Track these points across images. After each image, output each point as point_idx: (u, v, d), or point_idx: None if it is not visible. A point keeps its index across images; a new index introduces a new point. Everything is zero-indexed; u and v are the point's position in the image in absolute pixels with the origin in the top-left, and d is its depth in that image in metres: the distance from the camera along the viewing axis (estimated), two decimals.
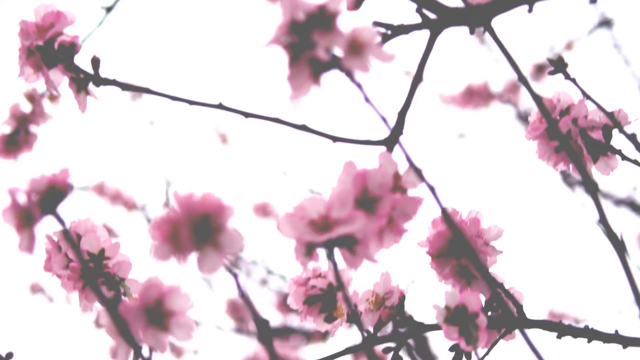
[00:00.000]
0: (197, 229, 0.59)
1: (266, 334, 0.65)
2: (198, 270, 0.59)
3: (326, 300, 0.95)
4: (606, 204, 3.08)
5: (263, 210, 3.70)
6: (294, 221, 0.67)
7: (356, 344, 0.91)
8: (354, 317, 0.94)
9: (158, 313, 0.66)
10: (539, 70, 3.02)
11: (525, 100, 3.47)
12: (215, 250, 0.60)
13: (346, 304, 0.84)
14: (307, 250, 0.67)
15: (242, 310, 3.33)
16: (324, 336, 3.12)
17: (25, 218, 0.62)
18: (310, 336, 3.29)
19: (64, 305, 3.56)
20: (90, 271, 0.85)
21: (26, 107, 1.48)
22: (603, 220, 0.67)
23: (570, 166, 0.87)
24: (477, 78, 3.41)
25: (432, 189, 0.66)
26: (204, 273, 0.59)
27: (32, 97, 1.47)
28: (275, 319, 3.44)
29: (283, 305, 3.36)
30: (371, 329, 0.92)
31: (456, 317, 0.74)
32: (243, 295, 0.62)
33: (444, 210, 0.68)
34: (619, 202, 3.06)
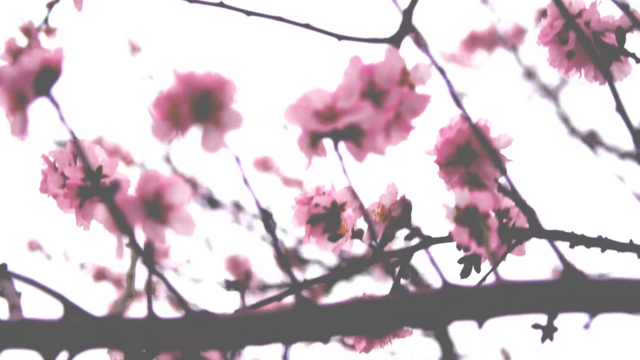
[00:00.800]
0: (197, 106, 0.57)
1: (269, 223, 0.63)
2: (201, 148, 0.57)
3: (330, 219, 0.93)
4: (611, 157, 3.06)
5: (264, 165, 3.67)
6: (298, 111, 0.64)
7: (362, 259, 0.89)
8: (359, 234, 0.92)
9: (157, 206, 0.63)
10: (544, 15, 2.97)
11: (530, 49, 3.44)
12: (217, 127, 0.57)
13: (360, 211, 0.82)
14: (312, 141, 0.65)
15: (241, 267, 3.31)
16: (326, 290, 3.11)
17: (18, 99, 0.59)
18: (313, 291, 3.27)
19: (62, 262, 3.54)
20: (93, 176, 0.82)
21: (22, 42, 1.44)
22: (620, 108, 0.65)
23: (582, 71, 0.84)
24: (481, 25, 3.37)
25: (442, 71, 0.63)
26: (206, 151, 0.57)
27: (29, 31, 1.44)
28: (276, 275, 3.42)
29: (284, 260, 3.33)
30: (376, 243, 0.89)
31: (466, 218, 0.72)
32: (245, 181, 0.60)
33: (456, 99, 0.65)
34: (624, 154, 3.04)
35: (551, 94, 3.45)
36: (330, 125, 0.63)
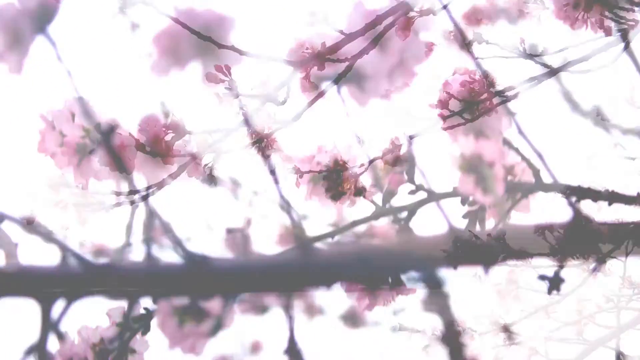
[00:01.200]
0: (197, 41, 0.55)
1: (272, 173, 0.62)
2: (202, 81, 0.56)
3: (332, 178, 0.92)
4: (616, 133, 3.05)
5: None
6: (299, 52, 0.63)
7: (366, 216, 0.87)
8: (361, 191, 0.91)
9: (156, 149, 0.62)
10: None
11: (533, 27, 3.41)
12: (217, 62, 0.56)
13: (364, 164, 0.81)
14: (314, 85, 0.64)
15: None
16: None
17: (15, 37, 0.58)
18: None
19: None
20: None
21: None
22: (628, 50, 0.63)
23: (589, 23, 0.83)
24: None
25: (445, 7, 0.62)
26: (207, 84, 0.55)
27: None
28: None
29: (285, 238, 3.33)
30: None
31: (472, 166, 0.70)
32: (245, 116, 0.59)
33: (463, 40, 0.63)
34: (627, 131, 3.03)
35: (554, 72, 3.43)
36: (333, 68, 0.62)
